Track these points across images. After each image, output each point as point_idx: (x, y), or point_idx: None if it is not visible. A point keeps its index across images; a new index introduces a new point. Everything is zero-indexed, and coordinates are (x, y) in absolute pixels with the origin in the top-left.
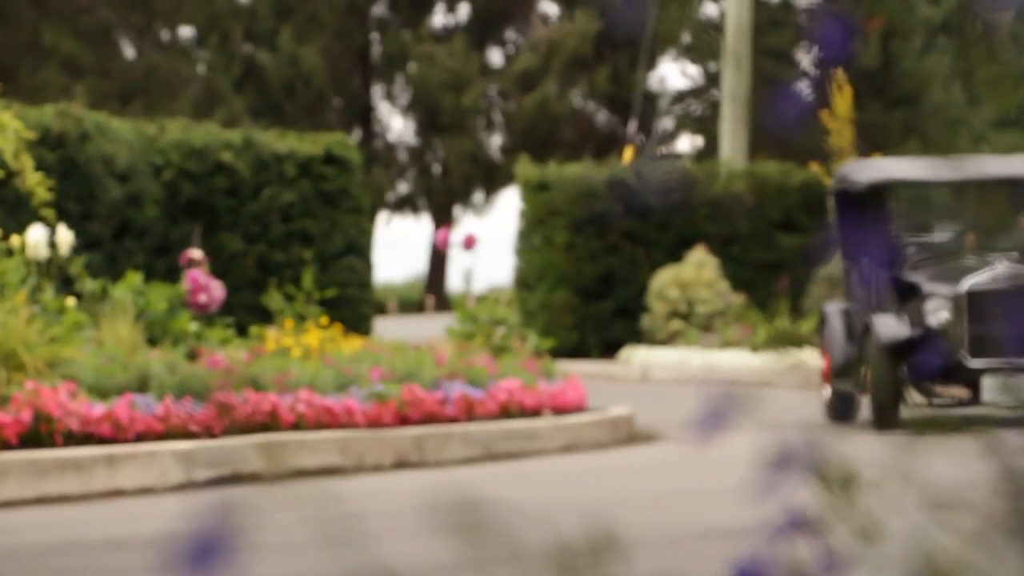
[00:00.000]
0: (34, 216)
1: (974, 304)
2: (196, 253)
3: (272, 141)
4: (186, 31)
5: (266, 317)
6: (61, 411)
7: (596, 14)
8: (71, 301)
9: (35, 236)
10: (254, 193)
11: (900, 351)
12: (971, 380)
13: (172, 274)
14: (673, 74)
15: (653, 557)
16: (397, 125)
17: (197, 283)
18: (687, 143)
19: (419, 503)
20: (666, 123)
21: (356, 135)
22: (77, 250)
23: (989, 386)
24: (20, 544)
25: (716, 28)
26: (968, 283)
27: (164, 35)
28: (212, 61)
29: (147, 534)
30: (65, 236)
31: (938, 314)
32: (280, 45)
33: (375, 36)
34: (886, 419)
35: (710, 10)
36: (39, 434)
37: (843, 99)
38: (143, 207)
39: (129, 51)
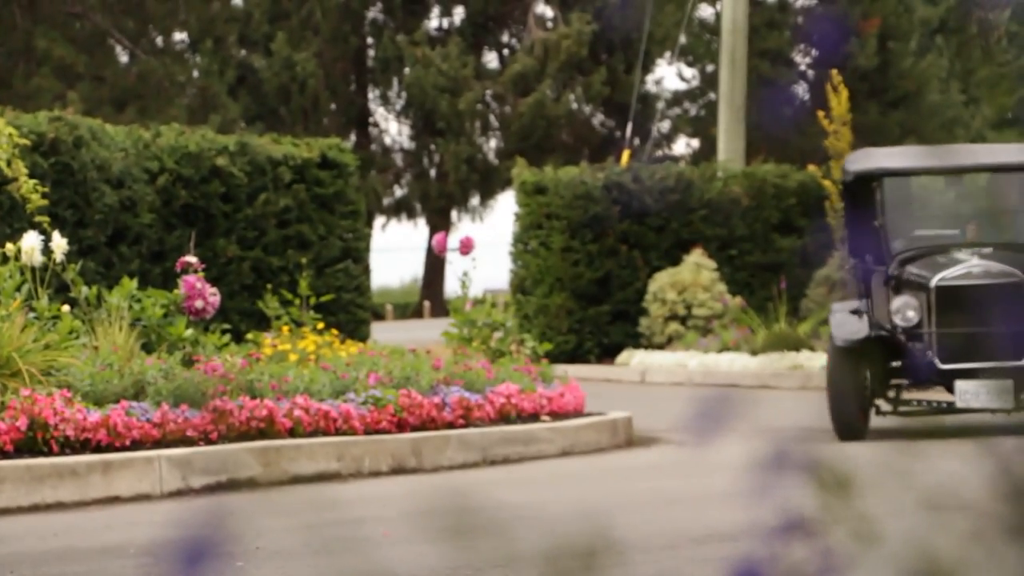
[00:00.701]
0: (28, 223)
1: (943, 302)
2: (191, 259)
3: (267, 146)
4: (180, 36)
5: (262, 323)
6: (57, 418)
7: (592, 17)
8: (66, 308)
9: (29, 243)
10: (249, 198)
11: (859, 353)
12: (944, 384)
13: (167, 280)
14: (670, 76)
15: (651, 561)
16: (393, 129)
17: (193, 289)
18: (684, 145)
19: (417, 508)
20: (663, 126)
21: (352, 139)
22: (72, 256)
23: (962, 390)
24: (16, 552)
25: (712, 31)
26: (937, 279)
27: (158, 41)
28: (206, 66)
29: (143, 541)
30: (60, 242)
31: (905, 313)
32: (275, 50)
33: (370, 40)
34: (846, 427)
35: (706, 12)
36: (35, 441)
37: (840, 100)
38: (138, 213)
39: (123, 57)
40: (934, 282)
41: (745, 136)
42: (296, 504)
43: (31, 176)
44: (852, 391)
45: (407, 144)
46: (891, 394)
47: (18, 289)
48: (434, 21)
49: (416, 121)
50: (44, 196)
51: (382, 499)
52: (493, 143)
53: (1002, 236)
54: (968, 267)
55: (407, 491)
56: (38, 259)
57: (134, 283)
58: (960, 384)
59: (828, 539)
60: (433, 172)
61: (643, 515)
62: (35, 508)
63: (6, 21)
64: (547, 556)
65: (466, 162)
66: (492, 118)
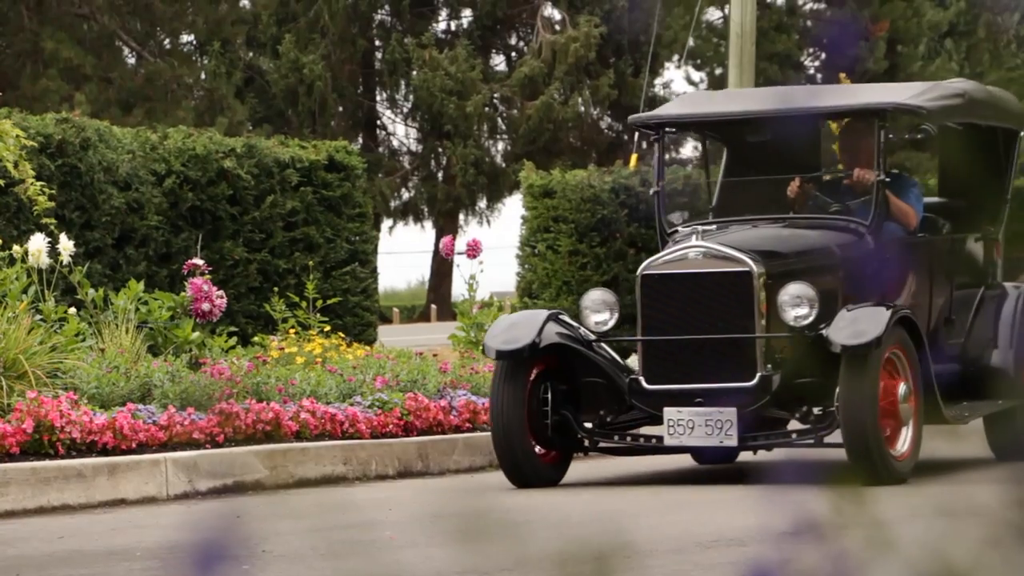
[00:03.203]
0: (35, 224)
1: (650, 297)
2: (198, 261)
3: (274, 148)
4: (188, 38)
5: (269, 325)
6: (63, 420)
7: (600, 20)
8: (72, 310)
9: (36, 245)
10: (256, 201)
11: (526, 366)
12: (653, 411)
13: (174, 282)
14: (678, 79)
15: (659, 565)
16: (400, 132)
17: (199, 291)
18: (692, 148)
19: (423, 512)
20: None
21: (359, 142)
22: (78, 258)
23: (672, 421)
24: (22, 554)
25: (720, 34)
26: (644, 266)
27: (166, 43)
28: (214, 68)
29: (149, 544)
30: (66, 244)
31: (598, 314)
32: (282, 52)
33: (378, 43)
34: (514, 467)
35: (714, 15)
36: (41, 444)
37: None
38: (145, 215)
39: (130, 59)
40: (640, 270)
41: None
42: (302, 507)
43: (38, 178)
44: (517, 419)
45: (414, 147)
46: (591, 424)
47: (25, 291)
48: (442, 24)
49: (423, 124)
50: (51, 198)
51: (389, 502)
52: (500, 146)
53: (808, 206)
54: (686, 249)
55: (414, 495)
56: (45, 261)
57: (141, 285)
58: (669, 412)
59: (839, 543)
60: (440, 175)
61: (650, 519)
62: (41, 511)
63: (13, 22)
64: (555, 559)
65: (473, 165)
66: (499, 121)
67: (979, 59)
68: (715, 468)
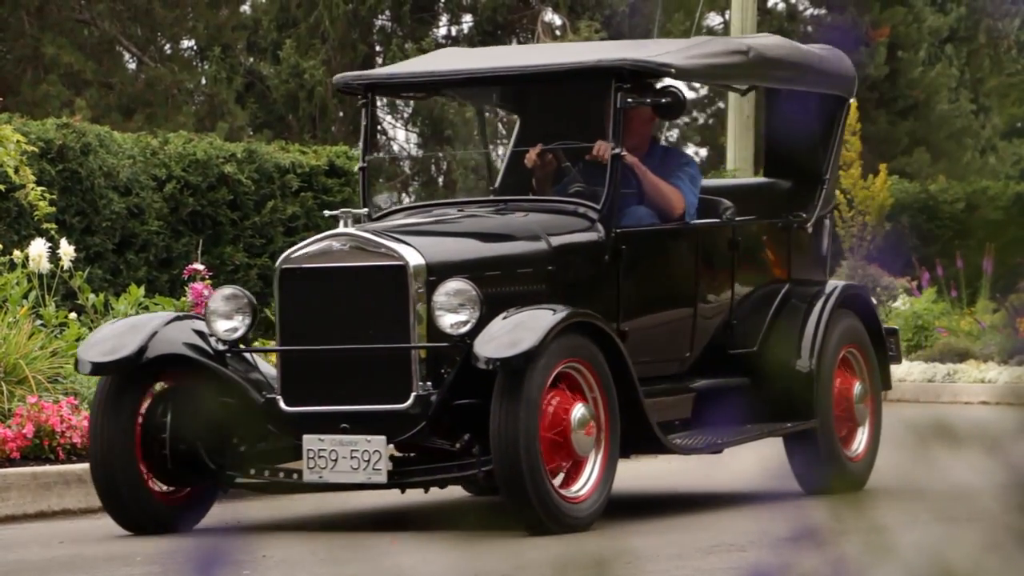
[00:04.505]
0: (36, 230)
1: (287, 298)
2: (199, 266)
3: (275, 153)
4: (188, 44)
5: (269, 331)
6: (63, 425)
7: (600, 24)
8: (73, 315)
9: (37, 250)
10: (257, 206)
11: (137, 383)
12: (294, 439)
13: (175, 287)
14: (678, 85)
15: (659, 570)
16: (400, 137)
17: (200, 296)
18: (692, 154)
19: (423, 516)
20: (671, 134)
21: (359, 147)
22: (79, 263)
23: (312, 451)
24: (22, 559)
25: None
26: (281, 259)
27: (166, 48)
28: (214, 73)
29: (149, 549)
30: (67, 249)
31: (225, 319)
32: (283, 57)
33: (379, 48)
34: (117, 505)
35: (715, 20)
36: (41, 448)
37: (849, 109)
38: (145, 220)
39: (131, 64)
40: (278, 263)
41: (754, 145)
42: (302, 512)
43: (39, 183)
44: (121, 448)
45: (414, 152)
46: (231, 456)
47: (25, 296)
48: (443, 29)
49: (424, 129)
50: (52, 203)
51: (389, 507)
52: (500, 150)
53: (560, 184)
54: (331, 239)
55: (414, 499)
56: (45, 266)
57: (141, 290)
58: (309, 441)
59: (838, 548)
60: (441, 180)
61: (650, 524)
62: (41, 515)
63: (14, 28)
64: (555, 564)
65: (474, 171)
66: (500, 125)
67: (980, 64)
68: (718, 471)
